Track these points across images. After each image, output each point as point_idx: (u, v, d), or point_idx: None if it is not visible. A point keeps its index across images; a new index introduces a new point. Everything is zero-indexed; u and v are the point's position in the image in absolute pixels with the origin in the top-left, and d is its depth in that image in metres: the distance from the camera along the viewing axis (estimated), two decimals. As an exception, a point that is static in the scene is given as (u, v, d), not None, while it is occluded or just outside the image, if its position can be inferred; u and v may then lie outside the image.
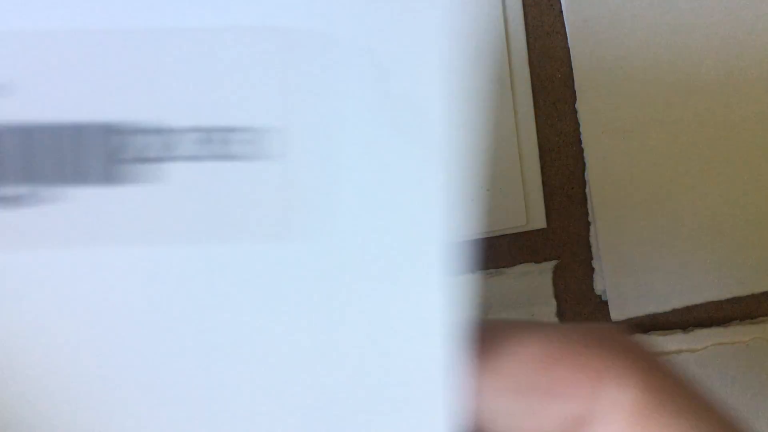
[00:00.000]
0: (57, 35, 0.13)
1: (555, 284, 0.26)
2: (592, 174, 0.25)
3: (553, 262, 0.26)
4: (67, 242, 0.14)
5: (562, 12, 0.25)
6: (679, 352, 0.26)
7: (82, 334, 0.14)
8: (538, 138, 0.25)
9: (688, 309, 0.26)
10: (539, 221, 0.26)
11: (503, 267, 0.26)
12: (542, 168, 0.26)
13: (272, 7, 0.13)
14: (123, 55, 0.13)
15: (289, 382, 0.14)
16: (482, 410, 0.14)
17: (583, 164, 0.25)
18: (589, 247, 0.26)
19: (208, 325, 0.14)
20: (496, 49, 0.25)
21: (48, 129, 0.13)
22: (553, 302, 0.26)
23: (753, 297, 0.27)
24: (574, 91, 0.25)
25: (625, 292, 0.26)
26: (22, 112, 0.13)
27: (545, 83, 0.25)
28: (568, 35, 0.25)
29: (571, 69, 0.25)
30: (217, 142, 0.13)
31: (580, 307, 0.26)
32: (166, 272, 0.14)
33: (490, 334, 0.14)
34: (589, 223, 0.26)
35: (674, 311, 0.26)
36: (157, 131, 0.13)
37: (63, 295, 0.14)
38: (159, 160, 0.13)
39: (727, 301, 0.27)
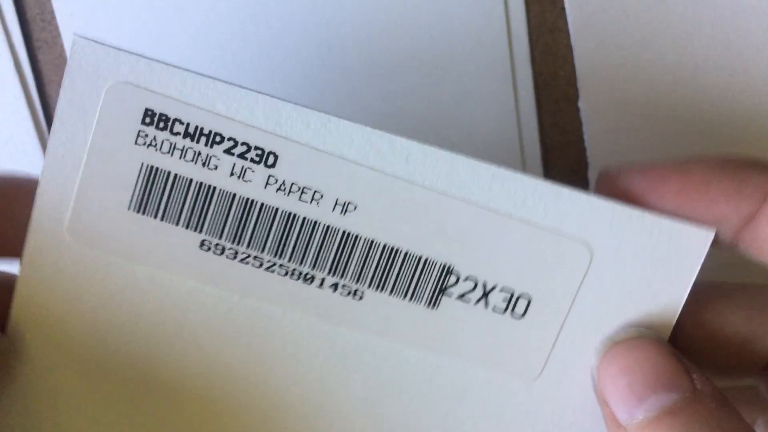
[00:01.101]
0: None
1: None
2: (595, 173, 0.25)
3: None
4: (363, 328, 0.18)
5: (564, 9, 0.24)
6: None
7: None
8: (541, 137, 0.25)
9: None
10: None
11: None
12: (545, 167, 0.25)
13: (556, 217, 0.18)
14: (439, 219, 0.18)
15: None
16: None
17: (586, 163, 0.25)
18: (591, 246, 0.26)
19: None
20: (498, 47, 0.24)
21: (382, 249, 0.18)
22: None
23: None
24: (577, 89, 0.25)
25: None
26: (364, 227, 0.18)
27: (548, 81, 0.25)
28: (570, 32, 0.25)
29: (574, 67, 0.25)
30: (490, 296, 0.18)
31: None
32: (429, 378, 0.18)
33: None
34: (591, 222, 0.26)
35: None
36: (466, 279, 0.18)
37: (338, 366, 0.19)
38: (448, 294, 0.18)
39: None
